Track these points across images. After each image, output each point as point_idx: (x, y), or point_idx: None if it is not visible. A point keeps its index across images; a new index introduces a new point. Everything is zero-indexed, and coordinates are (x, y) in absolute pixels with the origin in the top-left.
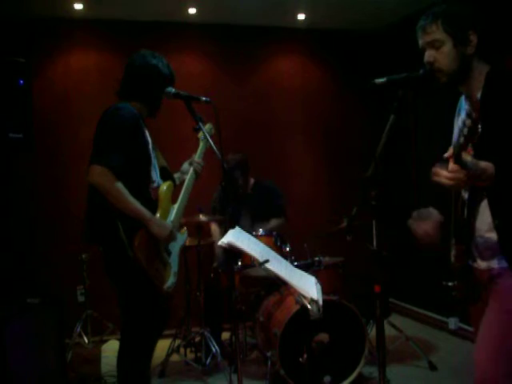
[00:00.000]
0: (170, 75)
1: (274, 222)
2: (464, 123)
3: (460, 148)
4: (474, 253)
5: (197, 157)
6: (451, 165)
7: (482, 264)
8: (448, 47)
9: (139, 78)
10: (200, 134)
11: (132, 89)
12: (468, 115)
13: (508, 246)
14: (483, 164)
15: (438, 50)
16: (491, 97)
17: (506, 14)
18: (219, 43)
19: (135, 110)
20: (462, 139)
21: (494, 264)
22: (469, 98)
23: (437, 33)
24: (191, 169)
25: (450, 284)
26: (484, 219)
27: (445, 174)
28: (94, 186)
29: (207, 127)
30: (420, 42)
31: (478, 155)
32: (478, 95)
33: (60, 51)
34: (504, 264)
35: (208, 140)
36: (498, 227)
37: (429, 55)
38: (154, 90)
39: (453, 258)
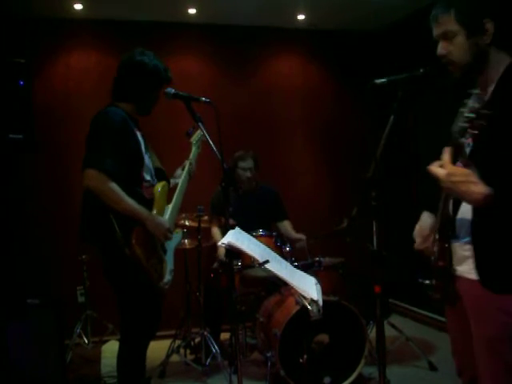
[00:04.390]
0: (155, 74)
1: (290, 226)
2: (469, 107)
3: (461, 132)
4: (454, 256)
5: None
6: (445, 157)
7: (460, 269)
8: (461, 38)
9: (123, 77)
10: (192, 139)
11: (119, 88)
12: (475, 96)
13: (482, 262)
14: (474, 175)
15: (451, 42)
16: (506, 90)
17: None
18: (219, 43)
19: (123, 112)
20: (465, 124)
21: (470, 273)
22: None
23: (449, 23)
24: (184, 172)
25: (427, 282)
26: (466, 215)
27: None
28: (90, 189)
29: (198, 133)
30: (433, 34)
31: (475, 146)
32: (492, 87)
33: (60, 51)
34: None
35: (207, 138)
36: (474, 244)
37: (441, 47)
38: (138, 89)
39: (436, 255)
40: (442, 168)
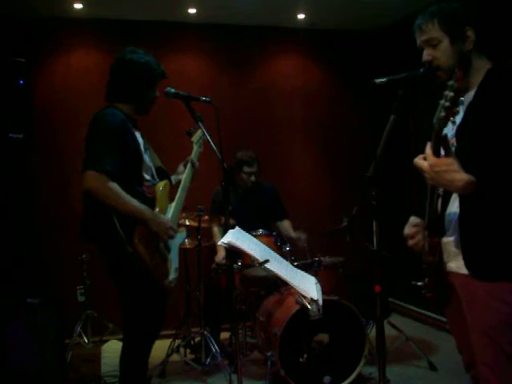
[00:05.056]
0: (148, 71)
1: (290, 225)
2: (445, 97)
3: (441, 122)
4: (444, 252)
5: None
6: (428, 150)
7: (451, 265)
8: (445, 44)
9: (116, 76)
10: (193, 138)
11: (113, 89)
12: (449, 87)
13: (469, 253)
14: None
15: (436, 48)
16: (488, 93)
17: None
18: (219, 43)
19: (121, 114)
20: (443, 113)
21: (463, 268)
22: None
23: (433, 31)
24: (187, 169)
25: (419, 284)
26: (454, 212)
27: (421, 162)
28: (90, 191)
29: (199, 132)
30: (417, 41)
31: (459, 145)
32: (473, 92)
33: (60, 51)
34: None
35: (207, 137)
36: (461, 236)
37: (427, 54)
38: (131, 88)
39: (426, 251)
40: (425, 160)
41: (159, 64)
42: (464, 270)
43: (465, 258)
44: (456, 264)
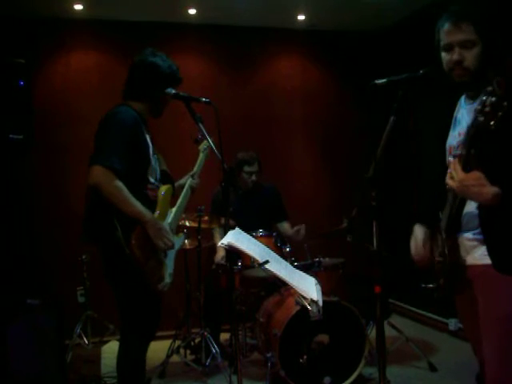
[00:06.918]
0: (170, 74)
1: (289, 227)
2: (483, 103)
3: (477, 128)
4: (461, 248)
5: (195, 168)
6: (456, 165)
7: (469, 259)
8: (478, 49)
9: (137, 77)
10: (201, 146)
11: (131, 88)
12: (488, 93)
13: (494, 249)
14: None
15: (468, 50)
16: None
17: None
18: (219, 44)
19: (135, 113)
20: (481, 118)
21: (481, 260)
22: (474, 99)
23: (470, 33)
24: (186, 185)
25: (430, 286)
26: (471, 210)
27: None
28: (95, 186)
29: (204, 143)
30: (448, 38)
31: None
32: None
33: (60, 51)
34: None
35: (207, 139)
36: (485, 233)
37: (458, 53)
38: (152, 89)
39: (446, 253)
40: (454, 174)
41: (178, 69)
42: (481, 261)
43: (490, 253)
44: (473, 256)
